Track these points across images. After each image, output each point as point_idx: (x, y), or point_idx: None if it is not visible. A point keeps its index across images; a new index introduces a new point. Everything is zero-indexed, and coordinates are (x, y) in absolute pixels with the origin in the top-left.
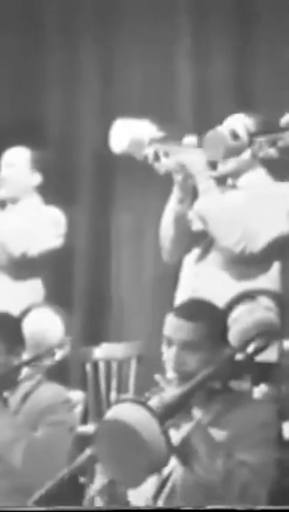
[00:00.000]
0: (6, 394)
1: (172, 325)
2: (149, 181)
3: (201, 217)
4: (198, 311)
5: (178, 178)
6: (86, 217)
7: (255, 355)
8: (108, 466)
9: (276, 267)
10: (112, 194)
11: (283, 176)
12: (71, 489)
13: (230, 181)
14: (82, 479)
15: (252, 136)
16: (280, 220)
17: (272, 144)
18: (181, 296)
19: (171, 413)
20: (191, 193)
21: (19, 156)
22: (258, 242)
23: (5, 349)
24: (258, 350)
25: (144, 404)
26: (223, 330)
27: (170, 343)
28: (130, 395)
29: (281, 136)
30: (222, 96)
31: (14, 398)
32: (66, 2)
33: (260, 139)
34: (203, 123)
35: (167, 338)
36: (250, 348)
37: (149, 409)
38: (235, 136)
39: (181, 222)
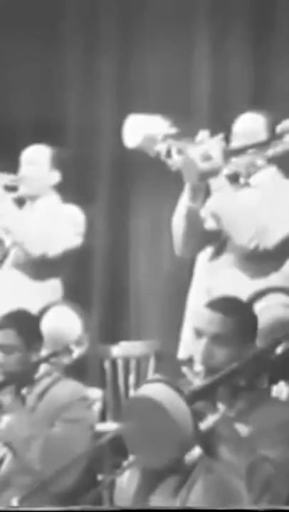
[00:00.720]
0: (24, 391)
1: (204, 317)
2: (167, 179)
3: (214, 215)
4: (232, 306)
5: None
6: (104, 216)
7: (285, 356)
8: (134, 443)
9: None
10: (130, 192)
11: None
12: (88, 487)
13: (242, 180)
14: (99, 476)
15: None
16: None
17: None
18: (194, 294)
19: (198, 397)
20: (204, 191)
21: (39, 154)
22: (272, 239)
23: (24, 345)
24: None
25: (173, 384)
26: (253, 327)
27: (200, 335)
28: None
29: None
30: (238, 95)
31: (32, 395)
32: (86, 3)
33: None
34: (220, 121)
35: (198, 329)
36: (280, 349)
37: (178, 390)
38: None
39: (193, 219)
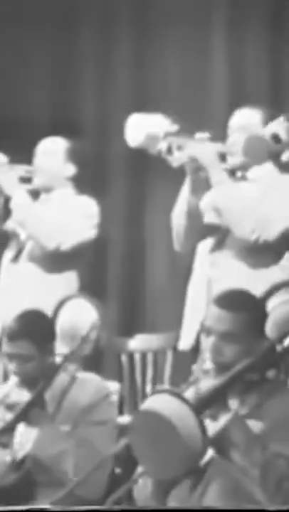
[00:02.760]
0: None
1: (212, 315)
2: (181, 172)
3: (214, 208)
4: (239, 301)
5: (190, 170)
6: (120, 208)
7: None
8: (142, 457)
9: (288, 257)
10: (146, 185)
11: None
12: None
13: (239, 174)
14: (117, 470)
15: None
16: None
17: None
18: (194, 287)
19: (207, 405)
20: (204, 186)
21: (55, 146)
22: (272, 231)
23: (38, 352)
24: None
25: (180, 395)
26: (262, 322)
27: (209, 333)
28: (166, 386)
29: None
30: (255, 91)
31: (51, 397)
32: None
33: None
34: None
35: (206, 328)
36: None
37: (185, 401)
38: (277, 139)
39: (193, 213)
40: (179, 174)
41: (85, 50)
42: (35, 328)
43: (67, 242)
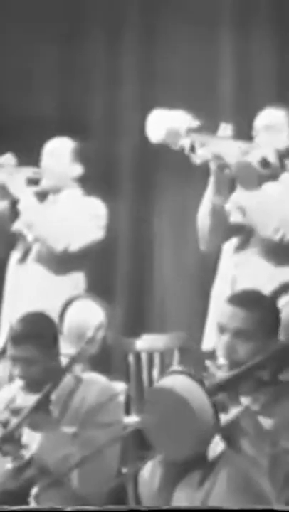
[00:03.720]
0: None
1: (227, 312)
2: (190, 171)
3: (239, 207)
4: (254, 300)
5: (214, 168)
6: (128, 209)
7: None
8: (154, 435)
9: None
10: (153, 185)
11: None
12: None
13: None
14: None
15: (283, 157)
16: None
17: None
18: (219, 286)
19: (219, 390)
20: (228, 184)
21: (62, 147)
22: None
23: (43, 355)
24: None
25: (194, 376)
26: (276, 321)
27: (223, 330)
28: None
29: None
30: (263, 88)
31: (57, 399)
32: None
33: None
34: (243, 115)
35: (221, 325)
36: None
37: (200, 381)
38: (265, 164)
39: (218, 212)
40: (188, 176)
41: (93, 50)
42: (39, 331)
43: (76, 243)
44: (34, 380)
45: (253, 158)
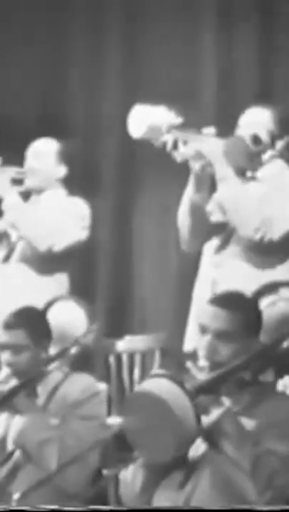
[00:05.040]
0: (36, 389)
1: (209, 313)
2: (173, 171)
3: (220, 206)
4: (236, 301)
5: (195, 167)
6: (110, 210)
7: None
8: (136, 438)
9: None
10: (136, 186)
11: None
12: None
13: (249, 173)
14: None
15: (275, 137)
16: None
17: None
18: (200, 287)
19: (200, 393)
20: (208, 183)
21: (46, 147)
22: (277, 230)
23: (33, 344)
24: None
25: (175, 379)
26: (258, 322)
27: (205, 331)
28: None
29: None
30: (245, 86)
31: (43, 391)
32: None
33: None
34: (225, 112)
35: (202, 325)
36: (285, 344)
37: (181, 384)
38: (257, 141)
39: (198, 211)
40: (170, 175)
41: (75, 49)
42: (33, 321)
43: (59, 243)
44: (21, 369)
45: (245, 134)
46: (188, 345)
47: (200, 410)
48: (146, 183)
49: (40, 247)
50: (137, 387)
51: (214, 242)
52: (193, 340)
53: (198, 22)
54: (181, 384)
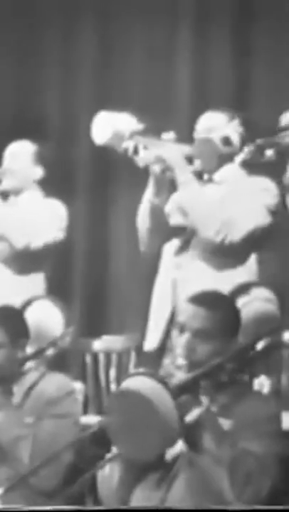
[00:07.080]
0: (12, 388)
1: (187, 312)
2: (147, 174)
3: (180, 209)
4: (215, 301)
5: (155, 171)
6: (86, 211)
7: (267, 352)
8: (118, 436)
9: (253, 258)
10: (110, 187)
11: (256, 171)
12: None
13: (206, 176)
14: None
15: (245, 141)
16: (257, 213)
17: (270, 146)
18: (160, 287)
19: (182, 392)
20: (168, 186)
21: (22, 149)
22: (238, 232)
23: (10, 342)
24: (270, 347)
25: (157, 377)
26: (236, 322)
27: (183, 329)
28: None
29: (277, 138)
30: (219, 90)
31: (19, 390)
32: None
33: (258, 142)
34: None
35: (180, 324)
36: (261, 345)
37: (164, 383)
38: (227, 143)
39: (157, 213)
40: (144, 177)
41: (49, 51)
42: (11, 320)
43: (37, 241)
44: None
45: (216, 136)
46: (149, 345)
47: (182, 409)
48: (121, 184)
49: (17, 245)
50: (121, 385)
51: (174, 243)
52: (153, 339)
53: (173, 26)
54: (164, 383)
